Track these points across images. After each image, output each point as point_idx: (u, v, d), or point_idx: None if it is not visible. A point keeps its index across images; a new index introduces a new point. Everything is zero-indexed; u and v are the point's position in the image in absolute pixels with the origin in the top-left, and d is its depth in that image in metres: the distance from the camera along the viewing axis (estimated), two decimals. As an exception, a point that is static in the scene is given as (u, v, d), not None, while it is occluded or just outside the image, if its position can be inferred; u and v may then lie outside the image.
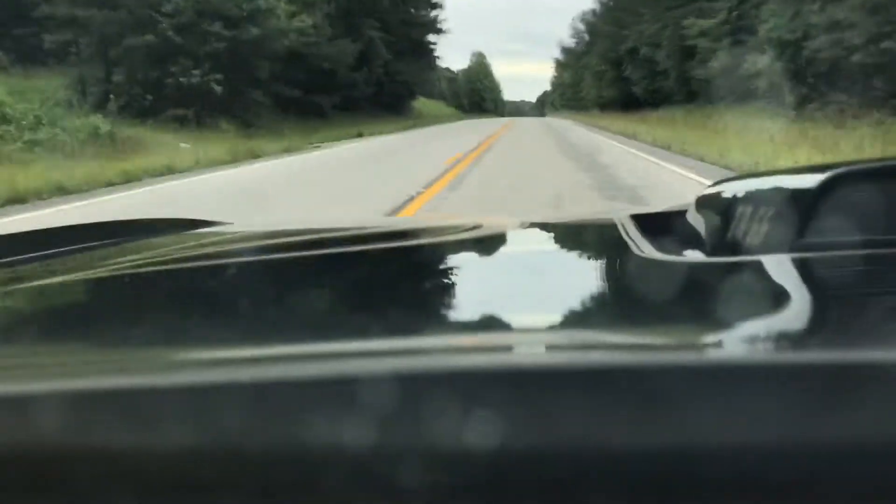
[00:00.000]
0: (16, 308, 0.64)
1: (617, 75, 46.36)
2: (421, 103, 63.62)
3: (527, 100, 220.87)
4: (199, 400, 0.33)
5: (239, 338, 0.47)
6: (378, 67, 34.84)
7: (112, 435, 0.32)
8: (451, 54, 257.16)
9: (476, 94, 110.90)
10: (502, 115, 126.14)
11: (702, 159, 12.13)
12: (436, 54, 55.75)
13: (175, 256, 0.84)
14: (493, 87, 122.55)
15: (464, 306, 0.57)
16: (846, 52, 15.47)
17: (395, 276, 0.73)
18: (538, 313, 0.52)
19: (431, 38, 48.97)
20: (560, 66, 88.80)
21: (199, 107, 18.45)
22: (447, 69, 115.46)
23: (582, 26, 68.65)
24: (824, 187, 0.55)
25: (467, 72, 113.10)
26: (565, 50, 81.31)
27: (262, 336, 0.47)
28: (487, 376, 0.32)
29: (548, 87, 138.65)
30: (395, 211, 6.76)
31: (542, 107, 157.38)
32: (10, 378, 0.38)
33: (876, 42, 14.56)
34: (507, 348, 0.40)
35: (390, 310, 0.55)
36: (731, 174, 1.06)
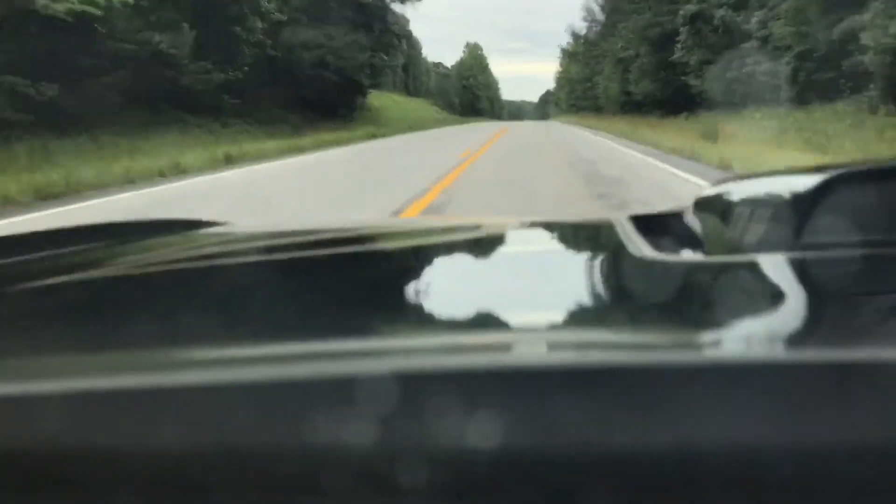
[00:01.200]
0: (18, 308, 0.64)
1: (659, 60, 30.98)
2: (390, 102, 48.53)
3: (528, 100, 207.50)
4: (201, 400, 0.33)
5: (240, 338, 0.47)
6: (254, 34, 19.41)
7: (113, 435, 0.32)
8: (448, 52, 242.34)
9: (469, 93, 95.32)
10: (500, 117, 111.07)
11: None
12: (404, 32, 40.84)
13: (176, 257, 0.85)
14: (490, 84, 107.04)
15: (464, 306, 0.57)
16: None
17: (395, 277, 0.75)
18: (537, 313, 0.52)
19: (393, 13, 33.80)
20: (568, 56, 73.36)
21: None
22: (440, 65, 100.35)
23: (597, 4, 53.08)
24: (822, 188, 0.55)
25: (458, 66, 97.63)
26: (575, 36, 65.86)
27: (264, 336, 0.48)
28: (487, 376, 0.32)
29: (550, 86, 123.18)
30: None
31: (545, 107, 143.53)
32: (12, 378, 0.38)
33: None
34: (507, 348, 0.40)
35: (390, 310, 0.57)
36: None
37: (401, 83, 78.81)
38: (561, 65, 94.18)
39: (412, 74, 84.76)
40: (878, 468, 0.28)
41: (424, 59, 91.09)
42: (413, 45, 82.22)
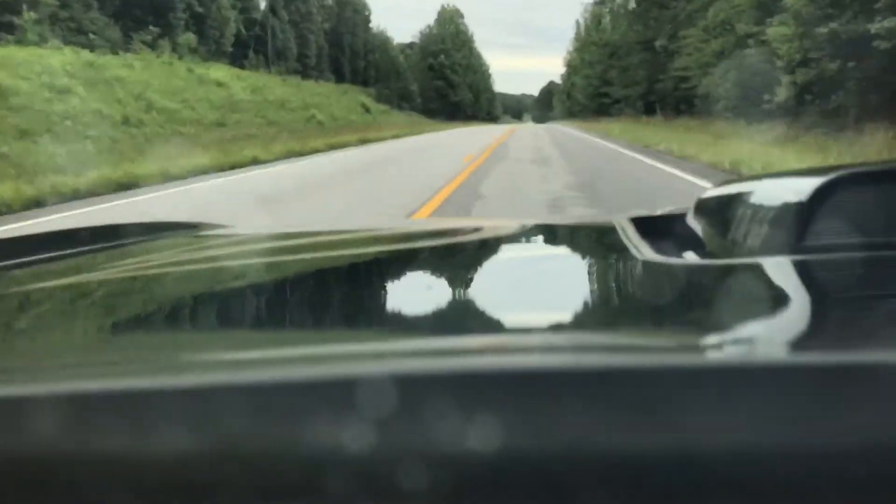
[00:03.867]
0: (19, 310, 0.65)
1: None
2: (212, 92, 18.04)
3: (528, 93, 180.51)
4: (201, 402, 0.33)
5: (241, 340, 0.48)
6: None
7: (114, 437, 0.32)
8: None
9: (438, 77, 63.86)
10: (492, 116, 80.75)
11: None
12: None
13: (177, 259, 0.85)
14: (475, 67, 75.73)
15: (464, 309, 0.57)
16: None
17: (396, 280, 0.76)
18: (538, 315, 0.52)
19: None
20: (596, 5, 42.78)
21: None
22: (413, 45, 69.22)
23: None
24: (824, 190, 0.55)
25: (424, 38, 66.31)
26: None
27: (264, 338, 0.48)
28: (488, 378, 0.32)
29: (551, 79, 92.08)
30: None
31: (549, 100, 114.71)
32: (13, 380, 0.38)
33: None
34: (508, 350, 0.40)
35: (391, 312, 0.58)
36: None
37: (325, 62, 49.04)
38: (577, 38, 63.91)
39: (353, 52, 54.62)
40: (879, 470, 0.28)
41: (380, 33, 60.28)
42: (346, 9, 52.08)
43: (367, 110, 38.71)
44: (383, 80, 52.91)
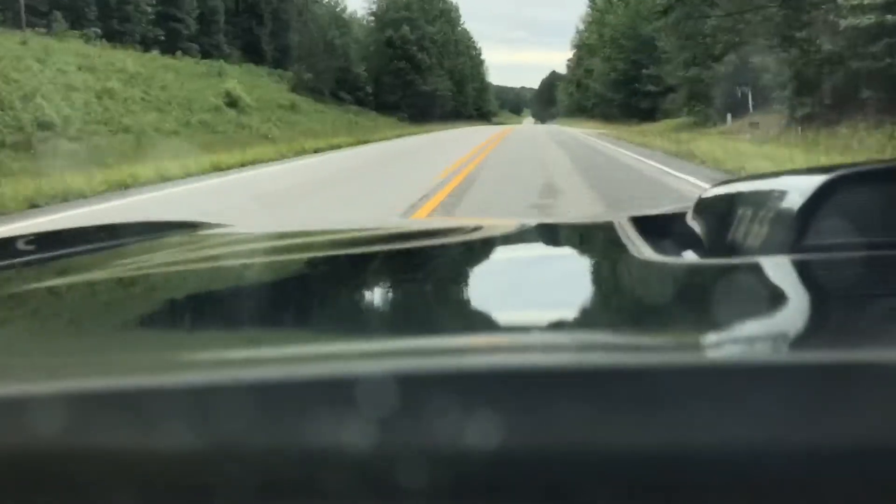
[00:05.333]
0: (19, 309, 0.65)
1: None
2: None
3: (528, 87, 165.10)
4: (202, 401, 0.33)
5: (240, 339, 0.48)
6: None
7: (114, 436, 0.32)
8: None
9: (399, 55, 46.11)
10: (484, 114, 64.24)
11: None
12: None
13: (177, 258, 0.86)
14: (458, 47, 58.29)
15: (464, 308, 0.58)
16: None
17: (395, 279, 0.76)
18: (538, 314, 0.52)
19: None
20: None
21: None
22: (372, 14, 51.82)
23: None
24: (824, 189, 0.55)
25: (382, 3, 48.68)
26: None
27: (264, 337, 0.48)
28: (487, 377, 0.32)
29: (553, 69, 75.38)
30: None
31: (551, 93, 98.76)
32: (14, 379, 0.38)
33: None
34: (507, 349, 0.40)
35: (390, 311, 0.59)
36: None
37: (220, 33, 32.86)
38: (594, 7, 47.90)
39: (279, 23, 38.28)
40: (879, 469, 0.29)
41: (334, 5, 43.66)
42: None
43: (234, 104, 21.90)
44: (306, 58, 35.88)
